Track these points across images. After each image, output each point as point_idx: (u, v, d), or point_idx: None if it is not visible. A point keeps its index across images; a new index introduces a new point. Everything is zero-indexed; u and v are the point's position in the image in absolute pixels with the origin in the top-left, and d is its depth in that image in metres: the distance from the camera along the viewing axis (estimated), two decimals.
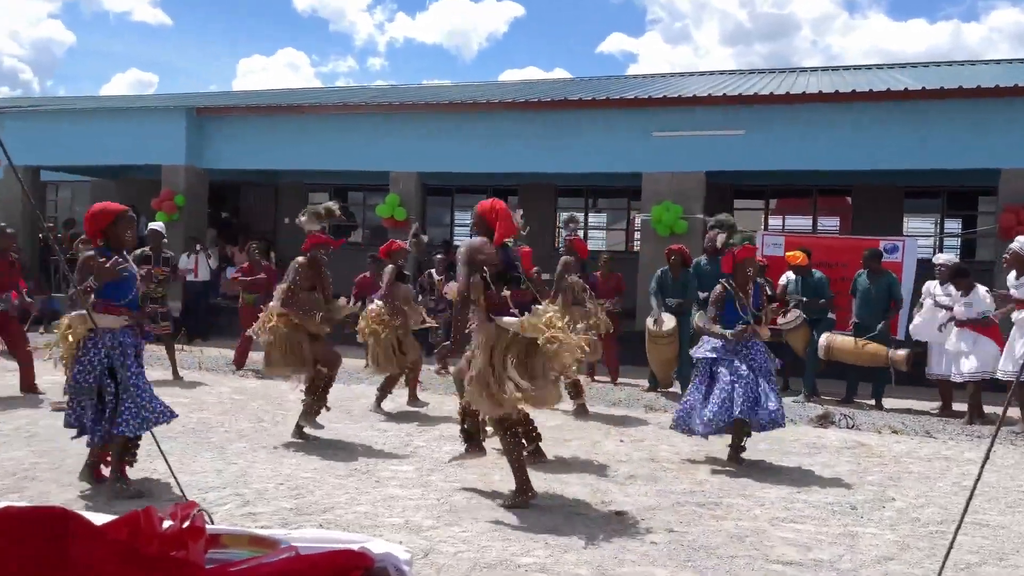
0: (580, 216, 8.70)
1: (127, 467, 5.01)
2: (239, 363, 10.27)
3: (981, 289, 8.50)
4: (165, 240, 9.84)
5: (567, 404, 8.37)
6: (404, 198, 13.81)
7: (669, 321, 9.09)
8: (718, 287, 6.35)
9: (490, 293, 4.75)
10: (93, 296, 4.78)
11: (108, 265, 4.75)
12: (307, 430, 6.54)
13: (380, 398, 7.81)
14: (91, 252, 4.84)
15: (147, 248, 9.46)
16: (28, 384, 7.97)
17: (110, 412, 4.78)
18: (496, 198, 5.16)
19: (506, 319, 4.72)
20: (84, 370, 4.76)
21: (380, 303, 7.69)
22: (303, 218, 6.58)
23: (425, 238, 8.50)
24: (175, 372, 9.41)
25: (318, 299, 6.49)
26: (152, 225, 9.80)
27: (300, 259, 6.54)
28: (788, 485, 5.69)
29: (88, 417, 4.81)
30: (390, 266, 7.83)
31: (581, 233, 8.07)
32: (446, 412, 8.03)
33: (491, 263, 4.78)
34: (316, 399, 6.58)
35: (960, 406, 8.65)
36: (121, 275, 4.79)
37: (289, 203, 17.80)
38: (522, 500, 4.84)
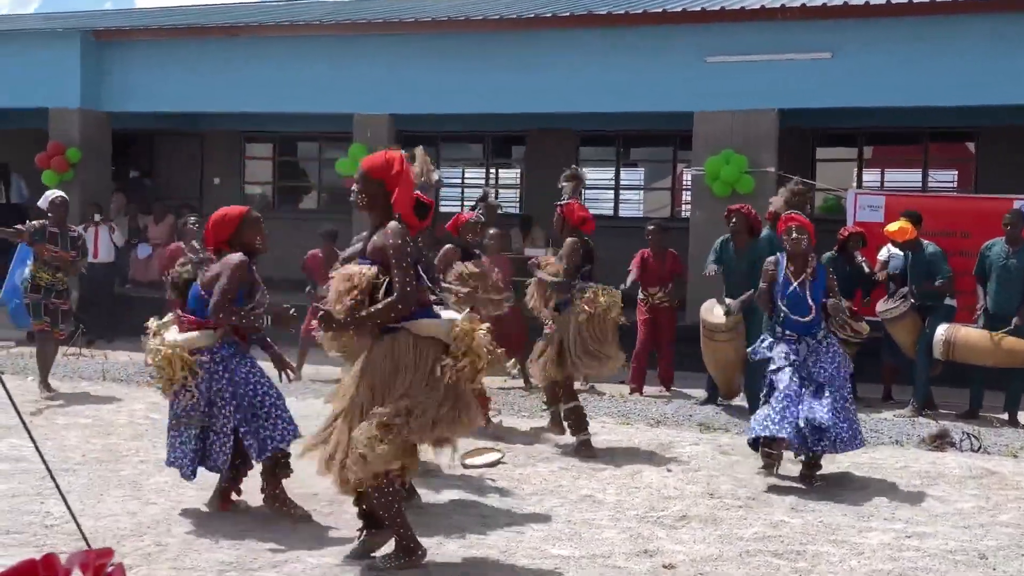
0: (583, 172, 8.58)
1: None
2: None
3: None
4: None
5: (599, 422, 8.39)
6: (373, 149, 13.71)
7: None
8: (770, 259, 6.84)
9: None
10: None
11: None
12: None
13: None
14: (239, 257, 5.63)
15: (46, 220, 9.42)
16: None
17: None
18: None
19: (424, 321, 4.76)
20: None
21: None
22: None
23: (497, 203, 8.33)
24: (44, 381, 9.32)
25: None
26: (54, 194, 9.74)
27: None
28: (894, 527, 5.69)
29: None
30: (448, 247, 7.79)
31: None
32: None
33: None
34: None
35: None
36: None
37: (219, 158, 17.79)
38: (412, 561, 4.79)
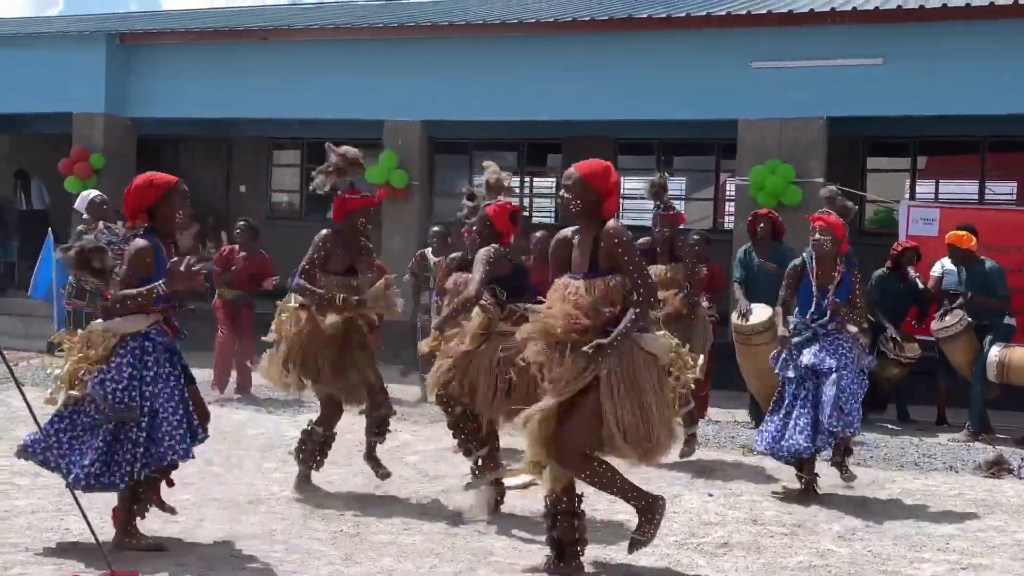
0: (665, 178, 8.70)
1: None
2: (221, 384, 10.42)
3: None
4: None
5: None
6: (404, 157, 13.84)
7: (761, 312, 8.94)
8: (795, 261, 7.09)
9: None
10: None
11: (184, 268, 5.25)
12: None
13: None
14: (143, 242, 5.27)
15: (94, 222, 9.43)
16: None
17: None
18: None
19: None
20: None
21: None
22: (319, 179, 6.67)
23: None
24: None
25: (358, 284, 6.60)
26: (92, 193, 9.81)
27: (326, 232, 6.67)
28: (948, 558, 5.63)
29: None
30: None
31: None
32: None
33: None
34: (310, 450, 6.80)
35: None
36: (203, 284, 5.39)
37: (246, 164, 17.93)
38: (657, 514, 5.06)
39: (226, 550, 5.38)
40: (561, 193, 5.02)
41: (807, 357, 6.87)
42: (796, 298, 7.07)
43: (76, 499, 4.92)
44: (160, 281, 5.20)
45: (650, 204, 15.91)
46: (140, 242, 5.31)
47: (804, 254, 7.07)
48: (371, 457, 6.80)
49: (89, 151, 14.89)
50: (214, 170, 18.33)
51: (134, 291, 5.19)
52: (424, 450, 8.11)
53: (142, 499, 5.37)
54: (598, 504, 6.52)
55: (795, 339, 6.97)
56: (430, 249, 10.71)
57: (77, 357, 5.32)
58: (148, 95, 15.11)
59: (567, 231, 5.11)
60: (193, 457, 5.42)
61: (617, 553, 5.52)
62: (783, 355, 7.04)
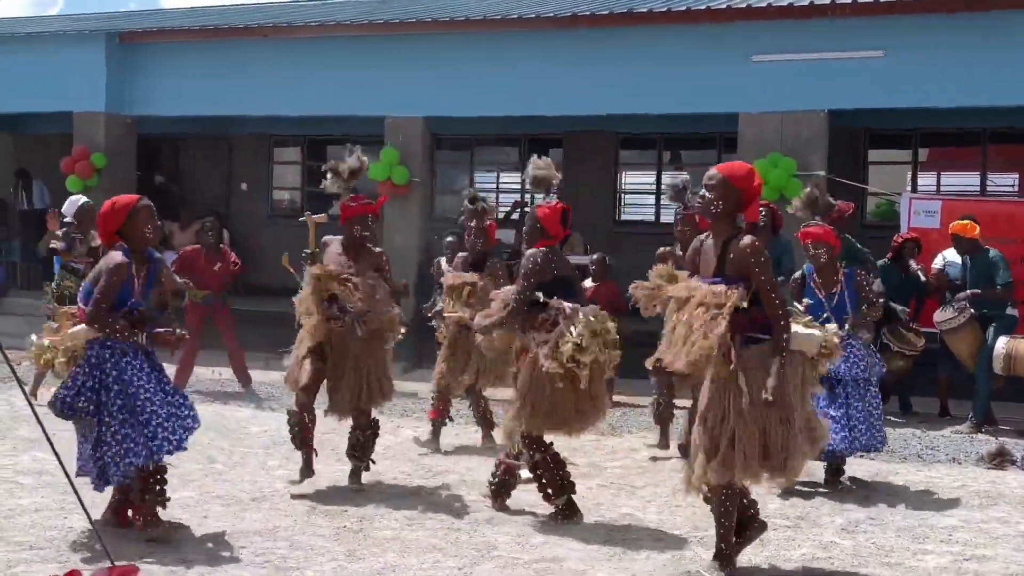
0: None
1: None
2: (180, 381, 10.42)
3: None
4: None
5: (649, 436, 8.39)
6: (405, 153, 13.83)
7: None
8: (796, 275, 7.15)
9: None
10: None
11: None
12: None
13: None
14: (121, 257, 5.44)
15: (70, 227, 9.48)
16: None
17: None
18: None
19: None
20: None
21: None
22: (327, 181, 6.82)
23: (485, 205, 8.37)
24: (34, 391, 9.19)
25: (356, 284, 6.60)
26: (81, 199, 9.87)
27: (329, 238, 6.83)
28: (952, 550, 5.63)
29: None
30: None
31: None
32: (469, 441, 8.08)
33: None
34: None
35: None
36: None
37: (247, 162, 17.93)
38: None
39: (230, 547, 5.39)
40: (701, 192, 4.97)
41: (831, 368, 6.84)
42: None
43: (79, 497, 4.93)
44: (131, 303, 5.44)
45: (650, 200, 16.05)
46: (117, 256, 5.42)
47: (804, 267, 7.17)
48: (353, 473, 6.83)
49: (90, 150, 14.88)
50: (215, 168, 18.34)
51: (109, 319, 5.37)
52: (423, 447, 8.11)
53: (153, 491, 5.49)
54: (601, 499, 6.53)
55: None
56: (443, 259, 10.77)
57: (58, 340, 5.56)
58: (148, 94, 15.10)
59: (702, 236, 5.12)
60: (185, 449, 5.56)
61: (623, 549, 5.52)
62: None
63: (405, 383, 10.47)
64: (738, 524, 5.09)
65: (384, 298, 6.64)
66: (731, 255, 4.82)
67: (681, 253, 8.09)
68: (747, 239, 4.81)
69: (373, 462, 6.89)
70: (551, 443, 6.04)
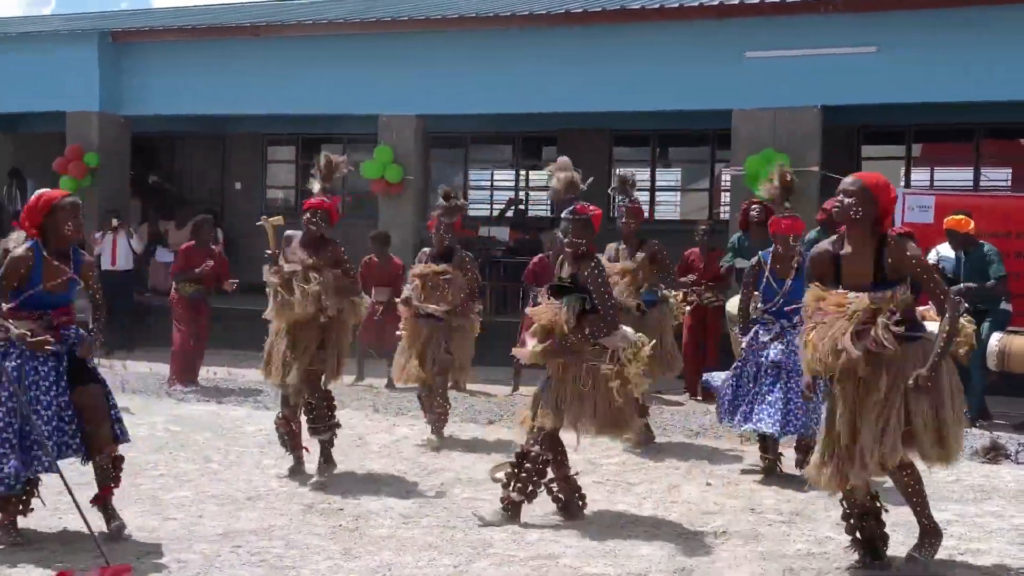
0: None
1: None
2: (181, 378, 10.42)
3: None
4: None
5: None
6: (399, 152, 13.83)
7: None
8: (754, 260, 7.33)
9: None
10: None
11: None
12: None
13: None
14: (21, 251, 5.37)
15: None
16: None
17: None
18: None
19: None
20: None
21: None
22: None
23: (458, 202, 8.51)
24: None
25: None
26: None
27: (291, 233, 7.05)
28: (946, 544, 5.60)
29: None
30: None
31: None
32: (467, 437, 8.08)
33: None
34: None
35: None
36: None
37: (241, 161, 17.92)
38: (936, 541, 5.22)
39: (225, 546, 5.37)
40: (840, 198, 4.98)
41: (773, 353, 7.00)
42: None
43: (73, 497, 4.92)
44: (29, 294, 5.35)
45: (644, 196, 16.04)
46: (19, 250, 5.39)
47: (760, 254, 7.29)
48: (322, 454, 6.96)
49: (84, 150, 14.86)
50: (209, 167, 18.34)
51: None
52: (422, 444, 8.10)
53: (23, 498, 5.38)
54: (596, 496, 6.54)
55: (763, 335, 7.12)
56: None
57: None
58: (142, 93, 15.09)
59: (826, 244, 5.13)
60: (57, 471, 5.14)
61: (618, 545, 5.52)
62: (749, 339, 7.21)
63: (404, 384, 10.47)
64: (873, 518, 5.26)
65: (347, 287, 6.86)
66: (889, 260, 4.90)
67: (624, 247, 8.16)
68: (909, 244, 4.92)
69: (335, 434, 6.99)
70: (562, 452, 6.08)
